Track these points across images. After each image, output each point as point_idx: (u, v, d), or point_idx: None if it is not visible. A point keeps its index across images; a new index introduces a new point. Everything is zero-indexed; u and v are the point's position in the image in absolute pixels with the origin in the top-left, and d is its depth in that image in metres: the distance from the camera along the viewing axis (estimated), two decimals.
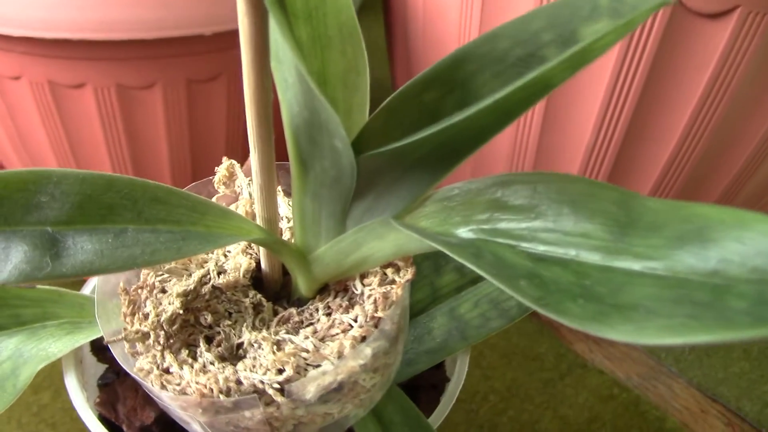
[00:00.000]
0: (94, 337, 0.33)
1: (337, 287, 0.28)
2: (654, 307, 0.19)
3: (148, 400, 0.34)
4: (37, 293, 0.33)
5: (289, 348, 0.25)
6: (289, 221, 0.30)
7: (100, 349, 0.36)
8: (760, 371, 0.56)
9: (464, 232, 0.23)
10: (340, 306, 0.27)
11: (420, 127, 0.23)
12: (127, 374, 0.36)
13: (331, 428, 0.28)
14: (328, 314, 0.27)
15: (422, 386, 0.37)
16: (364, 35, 0.25)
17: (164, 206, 0.24)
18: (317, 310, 0.28)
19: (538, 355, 0.58)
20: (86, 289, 0.37)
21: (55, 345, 0.33)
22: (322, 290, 0.28)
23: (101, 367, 0.37)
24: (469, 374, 0.56)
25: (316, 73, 0.24)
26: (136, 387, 0.35)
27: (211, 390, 0.24)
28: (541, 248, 0.21)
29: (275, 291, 0.29)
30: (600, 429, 0.52)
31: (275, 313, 0.28)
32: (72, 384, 0.33)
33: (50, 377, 0.52)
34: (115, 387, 0.35)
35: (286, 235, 0.29)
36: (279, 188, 0.31)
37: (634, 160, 0.47)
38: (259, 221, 0.26)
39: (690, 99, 0.42)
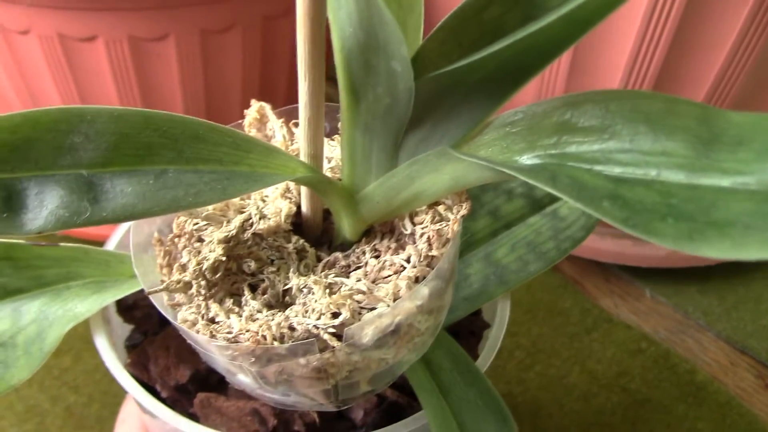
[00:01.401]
0: (121, 296, 0.32)
1: (383, 229, 0.27)
2: (752, 222, 0.18)
3: (182, 358, 0.33)
4: (60, 251, 0.32)
5: (344, 290, 0.24)
6: (329, 161, 0.28)
7: (126, 308, 0.35)
8: None
9: (529, 159, 0.22)
10: (389, 248, 0.26)
11: (481, 46, 0.21)
12: (156, 333, 0.35)
13: (384, 374, 0.27)
14: (377, 257, 0.26)
15: (461, 333, 0.36)
16: None
17: (206, 144, 0.23)
18: (364, 252, 0.26)
19: (562, 310, 0.57)
20: (110, 245, 0.35)
21: (82, 305, 0.31)
22: (368, 233, 0.27)
23: (127, 328, 0.36)
24: None
25: None
26: (167, 346, 0.33)
27: (264, 337, 0.23)
28: (617, 170, 0.20)
29: (316, 236, 0.28)
30: (629, 383, 0.51)
31: (319, 259, 0.27)
32: (103, 345, 0.31)
33: (71, 340, 0.50)
34: (145, 347, 0.34)
35: (328, 175, 0.28)
36: None
37: (680, 74, 0.45)
38: (303, 158, 0.25)
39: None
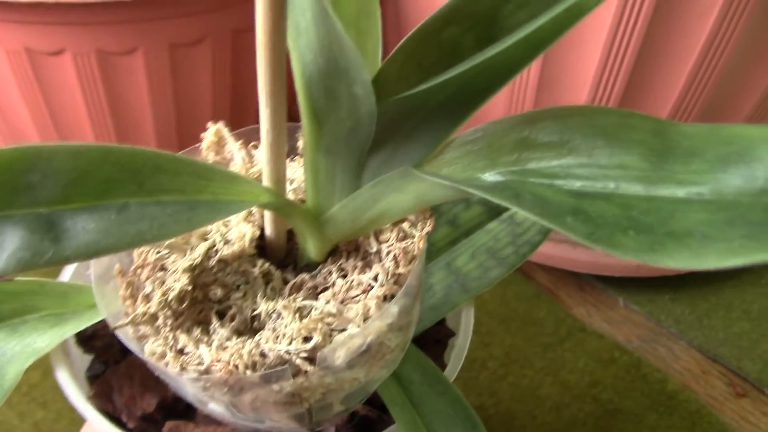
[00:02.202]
0: (82, 327, 0.31)
1: (348, 247, 0.27)
2: (708, 231, 0.18)
3: (147, 387, 0.32)
4: (15, 286, 0.31)
5: (315, 314, 0.24)
6: (291, 183, 0.28)
7: (86, 339, 0.34)
8: (761, 331, 0.56)
9: (491, 176, 0.22)
10: (355, 266, 0.26)
11: (440, 67, 0.22)
12: (117, 363, 0.34)
13: (356, 393, 0.27)
14: (344, 276, 0.26)
15: (427, 343, 0.36)
16: None
17: (166, 175, 0.22)
18: (330, 273, 0.26)
19: (536, 320, 0.57)
20: (65, 276, 0.35)
21: (41, 339, 0.30)
22: (333, 252, 0.27)
23: (87, 359, 0.35)
24: None
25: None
26: (131, 375, 0.33)
27: (236, 366, 0.23)
28: (577, 184, 0.21)
29: (280, 258, 0.28)
30: (601, 392, 0.52)
31: (284, 281, 0.27)
32: (65, 379, 0.31)
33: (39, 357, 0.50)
34: (108, 378, 0.33)
35: (290, 197, 0.28)
36: None
37: (647, 86, 0.46)
38: (266, 183, 0.24)
39: (710, 9, 0.42)
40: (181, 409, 0.32)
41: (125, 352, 0.34)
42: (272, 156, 0.23)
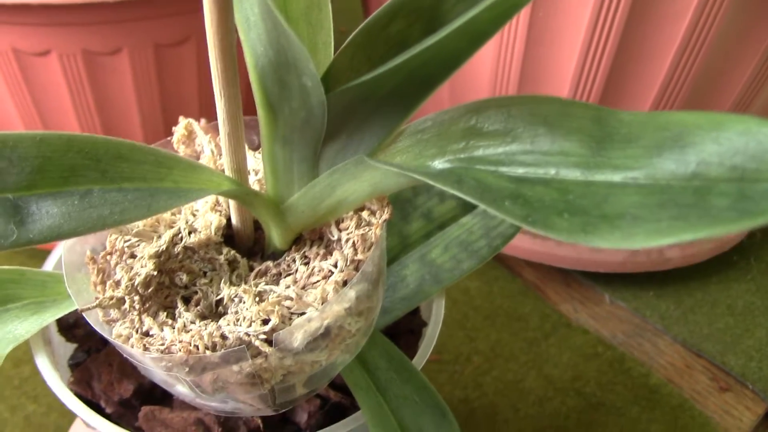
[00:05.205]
0: (60, 315, 0.32)
1: (312, 236, 0.28)
2: (639, 213, 0.19)
3: (125, 373, 0.33)
4: None
5: (272, 297, 0.25)
6: (256, 174, 0.29)
7: (67, 328, 0.35)
8: (744, 326, 0.57)
9: (441, 163, 0.23)
10: (318, 254, 0.27)
11: (388, 59, 0.22)
12: (98, 351, 0.35)
13: (319, 376, 0.28)
14: (306, 263, 0.27)
15: (400, 333, 0.37)
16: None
17: (129, 163, 0.23)
18: (294, 260, 0.27)
19: (522, 315, 0.58)
20: (48, 266, 0.36)
21: (22, 326, 0.32)
22: (297, 241, 0.28)
23: (70, 347, 0.36)
24: (453, 336, 0.56)
25: (278, 10, 0.23)
26: (110, 362, 0.34)
27: (197, 346, 0.24)
28: (520, 170, 0.22)
29: (248, 247, 0.29)
30: (584, 386, 0.52)
31: (251, 269, 0.28)
32: (44, 365, 0.32)
33: (30, 351, 0.51)
34: (88, 365, 0.34)
35: (255, 188, 0.29)
36: None
37: (626, 83, 0.47)
38: (228, 173, 0.25)
39: (684, 12, 0.42)
40: (157, 395, 0.33)
41: (106, 340, 0.35)
42: (230, 146, 0.24)
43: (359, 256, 0.26)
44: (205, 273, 0.27)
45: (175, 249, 0.27)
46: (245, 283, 0.26)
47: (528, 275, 0.62)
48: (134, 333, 0.25)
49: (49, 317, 0.32)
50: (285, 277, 0.26)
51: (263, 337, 0.24)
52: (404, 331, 0.37)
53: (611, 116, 0.22)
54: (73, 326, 0.35)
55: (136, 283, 0.25)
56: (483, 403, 0.51)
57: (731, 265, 0.62)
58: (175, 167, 0.24)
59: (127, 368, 0.33)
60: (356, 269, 0.26)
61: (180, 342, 0.24)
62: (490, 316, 0.58)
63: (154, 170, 0.24)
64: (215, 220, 0.27)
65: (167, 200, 0.23)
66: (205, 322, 0.25)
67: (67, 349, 0.36)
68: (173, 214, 0.28)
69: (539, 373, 0.53)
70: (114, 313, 0.26)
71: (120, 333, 0.25)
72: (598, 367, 0.54)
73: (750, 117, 0.19)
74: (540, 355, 0.54)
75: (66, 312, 0.32)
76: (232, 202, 0.27)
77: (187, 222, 0.27)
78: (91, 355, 0.35)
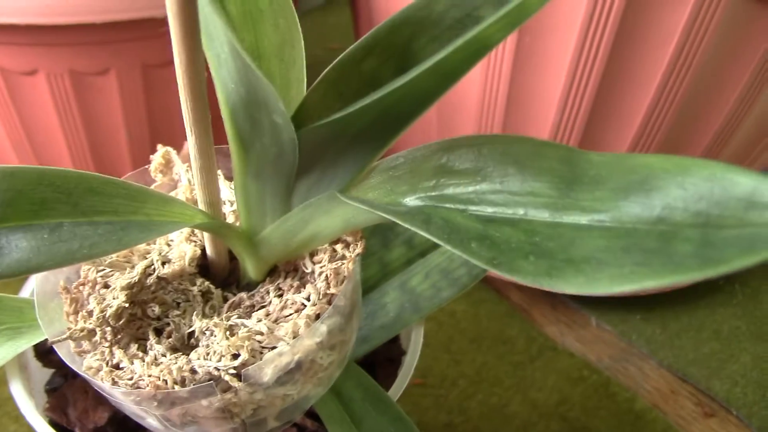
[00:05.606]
0: (36, 341, 0.32)
1: (286, 268, 0.28)
2: (604, 258, 0.19)
3: (100, 401, 0.33)
4: None
5: (242, 332, 0.24)
6: (231, 205, 0.29)
7: (44, 353, 0.35)
8: (730, 351, 0.57)
9: (412, 201, 0.23)
10: (291, 286, 0.27)
11: (360, 96, 0.22)
12: (75, 377, 0.35)
13: (291, 409, 0.28)
14: (280, 296, 0.27)
15: (379, 362, 0.36)
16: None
17: (101, 197, 0.23)
18: (268, 292, 0.27)
19: (508, 338, 0.58)
20: (24, 292, 0.35)
21: None
22: (272, 272, 0.28)
23: (47, 372, 0.36)
24: (438, 359, 0.56)
25: (249, 48, 0.24)
26: (85, 389, 0.33)
27: (165, 381, 0.24)
28: (489, 210, 0.22)
29: (223, 277, 0.29)
30: (569, 411, 0.52)
31: (225, 300, 0.28)
32: (18, 391, 0.32)
33: None
34: (64, 391, 0.34)
35: (230, 219, 0.29)
36: (219, 172, 0.30)
37: (612, 107, 0.47)
38: (201, 206, 0.25)
39: (670, 39, 0.43)
40: (132, 424, 0.33)
41: None
42: (203, 180, 0.24)
43: (332, 290, 0.26)
44: (178, 304, 0.27)
45: (148, 280, 0.27)
46: (218, 315, 0.26)
47: (515, 297, 0.62)
48: (104, 366, 0.25)
49: (25, 344, 0.32)
50: (258, 310, 0.26)
51: (233, 371, 0.24)
52: (383, 359, 0.37)
53: (581, 157, 0.22)
54: (49, 352, 0.35)
55: (107, 315, 0.25)
56: (467, 429, 0.51)
57: (717, 290, 0.62)
58: (148, 201, 0.24)
59: (102, 396, 0.33)
60: (329, 303, 0.26)
61: (149, 376, 0.24)
62: (476, 339, 0.57)
63: (126, 204, 0.24)
64: (189, 251, 0.27)
65: (138, 234, 0.23)
66: (176, 355, 0.25)
67: (44, 374, 0.36)
68: (148, 244, 0.28)
69: (524, 398, 0.53)
70: (85, 345, 0.26)
71: (90, 365, 0.25)
72: (583, 392, 0.53)
73: (716, 162, 0.19)
74: (525, 379, 0.54)
75: (42, 338, 0.32)
76: (206, 234, 0.27)
77: (160, 253, 0.27)
78: (68, 381, 0.35)
